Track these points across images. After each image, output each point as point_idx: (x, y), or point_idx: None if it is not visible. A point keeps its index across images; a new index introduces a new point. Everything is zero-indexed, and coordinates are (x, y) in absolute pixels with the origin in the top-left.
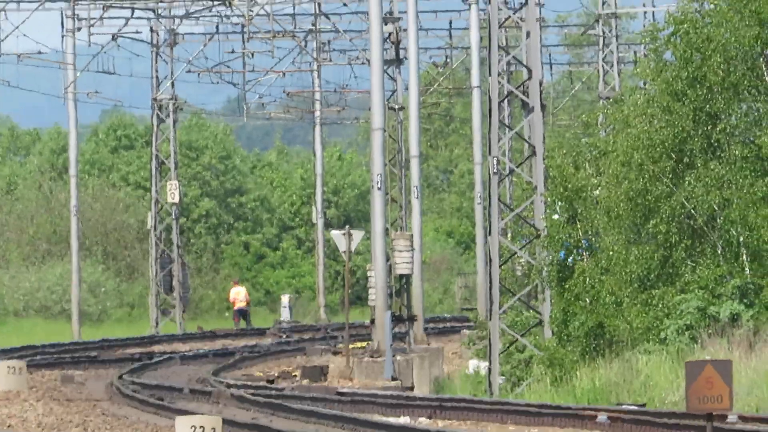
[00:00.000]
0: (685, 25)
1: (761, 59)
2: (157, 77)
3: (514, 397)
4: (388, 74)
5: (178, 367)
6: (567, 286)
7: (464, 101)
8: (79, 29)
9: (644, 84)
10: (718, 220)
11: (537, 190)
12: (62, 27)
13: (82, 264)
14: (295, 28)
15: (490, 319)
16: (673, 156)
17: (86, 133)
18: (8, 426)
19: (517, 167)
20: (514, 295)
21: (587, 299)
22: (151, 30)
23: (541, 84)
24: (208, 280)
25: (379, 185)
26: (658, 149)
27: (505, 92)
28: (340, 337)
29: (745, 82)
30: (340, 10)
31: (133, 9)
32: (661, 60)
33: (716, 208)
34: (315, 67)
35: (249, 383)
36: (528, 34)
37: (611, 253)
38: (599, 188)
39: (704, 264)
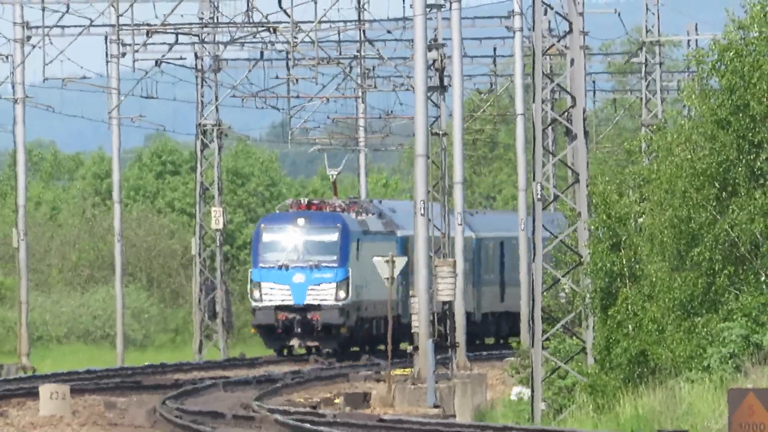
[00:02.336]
0: (730, 53)
1: None
2: (201, 102)
3: (557, 424)
4: (431, 101)
5: (221, 393)
6: (610, 313)
7: (508, 128)
8: (123, 54)
9: (687, 111)
10: (762, 248)
11: (581, 216)
12: (106, 52)
13: (126, 290)
14: (339, 54)
15: (533, 346)
16: (717, 184)
17: (130, 158)
18: None
19: (561, 194)
20: (557, 322)
21: (630, 326)
22: (196, 56)
23: (584, 111)
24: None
25: (422, 211)
26: (701, 177)
27: (549, 119)
28: (383, 364)
29: None
30: (385, 37)
31: (177, 35)
32: (706, 85)
33: (759, 236)
34: (359, 93)
35: (292, 409)
36: (572, 62)
37: (654, 280)
38: (643, 215)
39: (748, 291)
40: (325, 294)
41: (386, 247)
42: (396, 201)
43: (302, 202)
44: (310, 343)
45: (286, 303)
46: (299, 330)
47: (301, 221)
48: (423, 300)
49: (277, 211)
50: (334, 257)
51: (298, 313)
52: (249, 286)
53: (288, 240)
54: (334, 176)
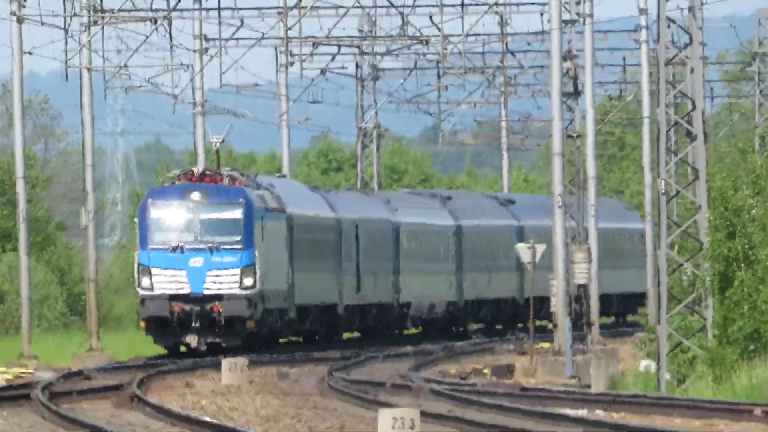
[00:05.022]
0: None
1: None
2: (361, 107)
3: (680, 393)
4: (566, 105)
5: (381, 364)
6: (727, 294)
7: (635, 130)
8: (291, 64)
9: None
10: None
11: (701, 209)
12: (276, 62)
13: None
14: (484, 64)
15: (659, 323)
16: None
17: (297, 156)
18: (231, 417)
19: (682, 189)
20: (680, 302)
21: (745, 306)
22: (356, 65)
23: (703, 114)
24: None
25: (559, 204)
26: None
27: (672, 122)
28: (526, 338)
29: None
30: (525, 48)
31: (339, 46)
32: None
33: None
34: (502, 99)
35: (445, 379)
36: (692, 70)
37: (767, 264)
38: (756, 207)
39: None
40: (228, 281)
41: (281, 227)
42: (270, 177)
43: (195, 172)
44: (210, 340)
45: (181, 292)
46: (197, 324)
47: (197, 195)
48: (561, 283)
49: (166, 184)
50: (238, 238)
51: (195, 304)
52: (136, 272)
53: (182, 217)
54: (217, 144)
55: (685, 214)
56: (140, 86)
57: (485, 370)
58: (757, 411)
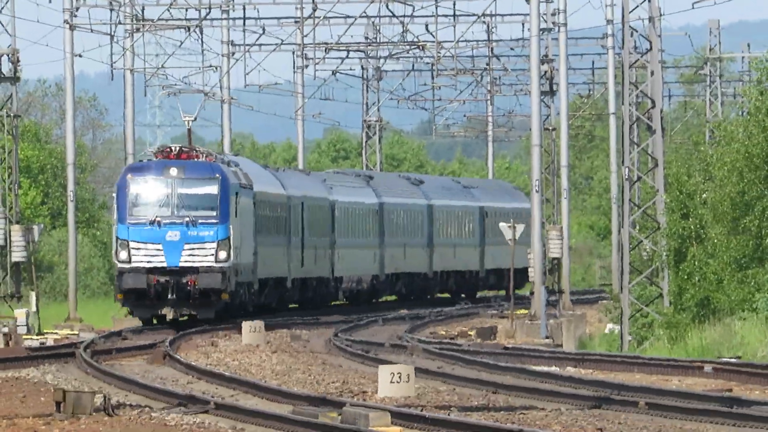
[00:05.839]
0: None
1: None
2: (366, 103)
3: (640, 352)
4: (544, 102)
5: (381, 326)
6: (681, 267)
7: (603, 124)
8: (306, 66)
9: (745, 110)
10: None
11: (659, 192)
12: (293, 64)
13: None
14: (473, 66)
15: (622, 292)
16: (766, 166)
17: (311, 146)
18: (250, 372)
19: (643, 175)
20: (640, 274)
21: (696, 277)
22: (362, 67)
23: (661, 111)
24: None
25: (537, 188)
26: (754, 160)
27: (634, 117)
28: (507, 305)
29: None
30: (508, 53)
31: (348, 51)
32: (765, 86)
33: None
34: (488, 96)
35: (435, 340)
36: (652, 73)
37: (715, 241)
38: (706, 191)
39: None
40: (203, 255)
41: (249, 203)
42: (231, 156)
43: (172, 148)
44: (185, 311)
45: (158, 265)
46: (174, 296)
47: (174, 171)
48: (538, 256)
49: (144, 160)
50: (214, 213)
51: (172, 277)
52: (114, 246)
53: (160, 192)
54: (189, 123)
55: (646, 197)
56: (175, 85)
57: (471, 332)
58: (708, 368)
